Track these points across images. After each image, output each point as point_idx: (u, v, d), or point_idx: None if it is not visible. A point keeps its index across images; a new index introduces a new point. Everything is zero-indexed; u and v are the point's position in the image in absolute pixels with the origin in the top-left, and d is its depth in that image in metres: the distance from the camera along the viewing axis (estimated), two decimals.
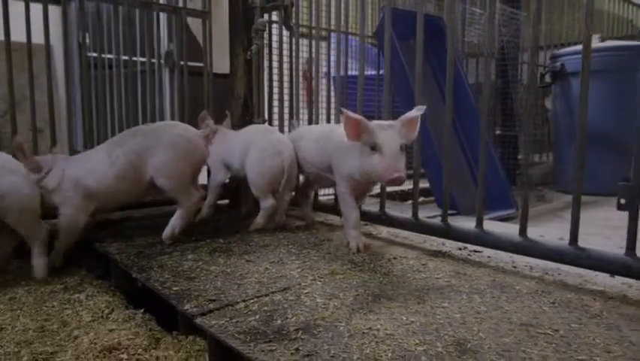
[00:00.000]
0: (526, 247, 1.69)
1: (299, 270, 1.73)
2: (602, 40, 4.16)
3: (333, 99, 2.89)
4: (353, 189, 2.00)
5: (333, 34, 3.89)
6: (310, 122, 2.82)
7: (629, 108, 4.04)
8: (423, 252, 1.98)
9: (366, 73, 3.34)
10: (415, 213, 2.08)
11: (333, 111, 3.15)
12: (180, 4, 2.85)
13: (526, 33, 4.38)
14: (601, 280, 1.63)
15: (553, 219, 3.21)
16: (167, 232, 2.08)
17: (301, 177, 2.45)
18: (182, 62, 2.88)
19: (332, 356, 1.12)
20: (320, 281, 1.62)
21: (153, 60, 2.78)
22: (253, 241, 2.14)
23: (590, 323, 1.28)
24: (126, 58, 3.21)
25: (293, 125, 2.59)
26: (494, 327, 1.26)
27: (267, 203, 2.28)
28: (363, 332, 1.23)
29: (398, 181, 1.72)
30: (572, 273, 1.69)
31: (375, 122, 1.81)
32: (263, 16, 2.71)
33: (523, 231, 1.72)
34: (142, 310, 1.61)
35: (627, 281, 1.58)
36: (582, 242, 1.62)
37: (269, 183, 2.25)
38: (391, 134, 1.76)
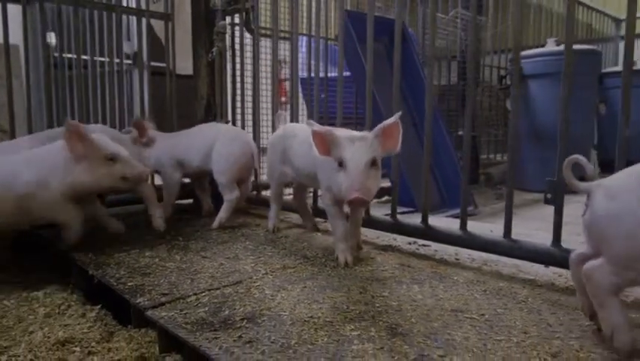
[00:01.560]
0: (465, 240, 1.80)
1: (252, 265, 1.80)
2: (558, 44, 4.33)
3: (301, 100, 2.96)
4: (339, 200, 1.79)
5: (303, 37, 3.99)
6: (273, 123, 2.88)
7: (583, 110, 4.26)
8: (374, 246, 2.07)
9: (331, 75, 3.45)
10: (367, 211, 2.17)
11: (302, 113, 3.23)
12: (143, 7, 2.90)
13: (487, 37, 4.54)
14: (535, 270, 1.74)
15: None
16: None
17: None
18: (147, 64, 2.92)
19: (272, 342, 1.19)
20: (271, 275, 1.69)
21: (116, 60, 2.81)
22: (211, 238, 2.20)
23: (515, 308, 1.38)
24: (96, 59, 3.24)
25: (279, 119, 2.54)
26: (426, 313, 1.35)
27: (232, 195, 2.37)
28: (305, 320, 1.31)
29: (358, 202, 1.53)
30: (509, 264, 1.80)
31: (346, 134, 1.63)
32: (224, 19, 2.77)
33: (463, 225, 1.83)
34: (99, 307, 1.65)
35: (558, 271, 1.69)
36: (528, 236, 1.73)
37: (239, 170, 2.38)
38: (360, 148, 1.56)
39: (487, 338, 1.19)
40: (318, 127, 1.64)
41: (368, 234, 2.27)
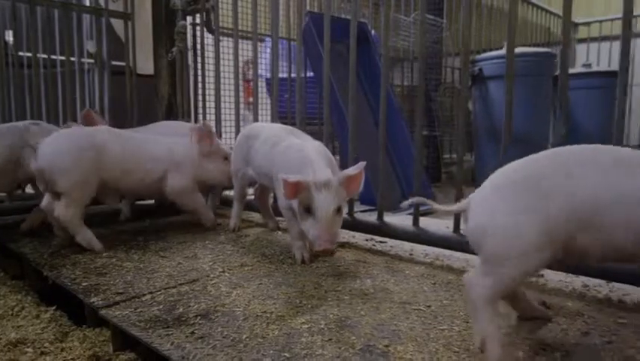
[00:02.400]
0: (418, 236, 1.86)
1: (211, 263, 1.82)
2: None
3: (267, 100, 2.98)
4: None
5: (268, 38, 4.01)
6: (237, 123, 2.90)
7: (540, 110, 4.42)
8: None
9: (295, 75, 3.48)
10: None
11: (266, 113, 3.25)
12: (103, 5, 2.87)
13: (448, 39, 4.65)
14: None
15: None
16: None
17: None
18: (108, 63, 2.90)
19: (224, 337, 1.22)
20: (229, 273, 1.71)
21: (72, 58, 2.78)
22: (172, 238, 2.20)
23: (460, 299, 1.45)
24: (54, 57, 3.18)
25: (245, 120, 2.57)
26: (376, 306, 1.40)
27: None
28: (258, 315, 1.34)
29: (327, 253, 1.64)
30: (460, 258, 1.86)
31: (313, 179, 1.63)
32: (185, 19, 2.77)
33: (416, 222, 1.89)
34: (53, 308, 1.65)
35: None
36: None
37: None
38: (327, 197, 1.60)
39: (431, 328, 1.25)
40: (290, 179, 1.61)
41: None
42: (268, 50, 3.88)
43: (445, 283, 1.59)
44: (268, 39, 3.96)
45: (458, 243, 1.75)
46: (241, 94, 4.63)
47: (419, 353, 1.12)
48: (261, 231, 2.36)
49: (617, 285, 1.56)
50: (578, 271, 1.57)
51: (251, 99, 4.21)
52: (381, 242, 2.13)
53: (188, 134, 2.28)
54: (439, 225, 2.06)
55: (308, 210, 1.63)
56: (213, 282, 1.62)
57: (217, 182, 2.41)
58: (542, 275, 1.66)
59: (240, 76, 3.78)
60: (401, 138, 3.79)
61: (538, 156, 1.13)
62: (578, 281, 1.61)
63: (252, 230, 2.37)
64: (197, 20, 2.93)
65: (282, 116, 3.51)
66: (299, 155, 1.79)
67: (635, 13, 6.41)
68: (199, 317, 1.34)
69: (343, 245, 2.08)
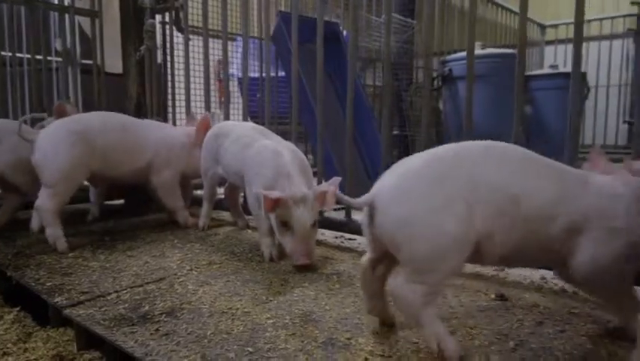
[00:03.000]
0: None
1: (179, 262, 1.82)
2: (483, 47, 4.57)
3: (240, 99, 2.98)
4: None
5: (239, 37, 4.00)
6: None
7: (507, 110, 4.52)
8: None
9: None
10: None
11: (238, 112, 3.24)
12: (68, 3, 2.82)
13: (418, 40, 4.72)
14: None
15: None
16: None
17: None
18: (77, 61, 2.86)
19: (188, 333, 1.23)
20: (196, 271, 1.72)
21: (38, 56, 2.73)
22: (140, 237, 2.19)
23: None
24: (21, 55, 3.11)
25: (214, 119, 2.57)
26: (341, 301, 1.42)
27: None
28: (223, 312, 1.35)
29: (306, 267, 1.70)
30: None
31: (291, 194, 1.69)
32: (154, 17, 2.75)
33: None
34: (17, 309, 1.62)
35: None
36: None
37: None
38: (304, 213, 1.67)
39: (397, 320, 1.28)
40: (271, 195, 1.65)
41: None
42: (240, 49, 3.88)
43: None
44: (240, 38, 3.96)
45: None
46: (215, 93, 4.62)
47: (380, 344, 1.15)
48: (231, 230, 2.36)
49: None
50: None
51: (223, 98, 4.23)
52: (350, 239, 2.16)
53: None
54: None
55: (285, 224, 1.70)
56: (180, 280, 1.62)
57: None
58: (503, 269, 1.72)
59: (213, 75, 3.78)
60: (372, 138, 3.83)
61: (441, 150, 1.12)
62: (537, 275, 1.67)
63: (222, 229, 2.37)
64: (167, 19, 2.91)
65: (254, 115, 3.52)
66: (275, 163, 1.81)
67: (599, 16, 6.60)
68: (164, 315, 1.34)
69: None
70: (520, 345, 1.14)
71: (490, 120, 4.32)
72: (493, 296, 1.45)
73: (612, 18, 6.72)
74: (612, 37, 6.72)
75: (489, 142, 1.14)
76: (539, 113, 5.75)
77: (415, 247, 1.03)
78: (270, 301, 1.43)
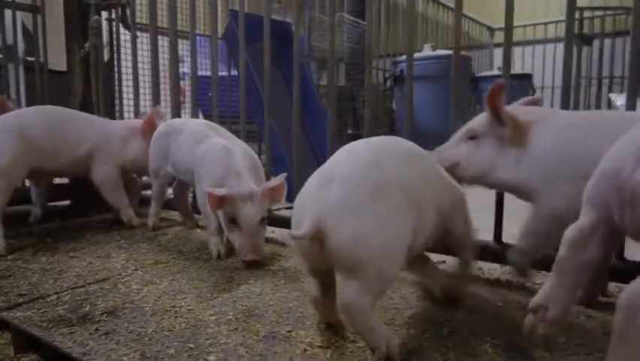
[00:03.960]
0: None
1: (123, 262, 1.80)
2: (433, 49, 4.71)
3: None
4: None
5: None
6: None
7: (456, 109, 4.66)
8: None
9: (221, 74, 3.47)
10: None
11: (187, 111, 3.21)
12: None
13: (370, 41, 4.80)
14: None
15: None
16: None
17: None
18: (21, 58, 2.76)
19: (129, 332, 1.22)
20: (141, 270, 1.70)
21: None
22: (84, 238, 2.14)
23: None
24: None
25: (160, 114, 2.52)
26: (285, 296, 1.45)
27: None
28: (166, 310, 1.35)
29: (255, 264, 1.71)
30: None
31: (238, 191, 1.70)
32: (100, 14, 2.69)
33: None
34: None
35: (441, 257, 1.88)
36: None
37: None
38: (251, 209, 1.68)
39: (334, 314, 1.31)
40: (216, 192, 1.67)
41: None
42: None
43: None
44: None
45: None
46: (165, 92, 4.54)
47: (319, 336, 1.18)
48: (180, 229, 2.34)
49: (508, 268, 1.70)
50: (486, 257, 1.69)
51: (182, 98, 4.17)
52: None
53: None
54: None
55: (233, 221, 1.71)
56: (125, 280, 1.60)
57: (145, 165, 2.32)
58: (444, 261, 1.78)
59: (163, 73, 3.72)
60: (325, 139, 3.87)
61: (362, 153, 1.14)
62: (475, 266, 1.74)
63: (171, 229, 2.35)
64: (114, 15, 2.85)
65: (207, 114, 3.49)
66: (226, 161, 1.81)
67: (544, 20, 6.87)
68: (105, 315, 1.32)
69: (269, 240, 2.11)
70: (452, 332, 1.20)
71: (440, 119, 4.45)
72: None
73: (556, 22, 7.02)
74: (556, 40, 7.03)
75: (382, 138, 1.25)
76: None
77: (374, 261, 1.00)
78: (215, 298, 1.44)
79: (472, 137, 1.39)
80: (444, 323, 1.25)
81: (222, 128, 2.08)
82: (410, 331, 1.21)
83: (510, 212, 1.68)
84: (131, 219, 2.35)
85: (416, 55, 4.71)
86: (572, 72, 1.58)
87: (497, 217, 1.70)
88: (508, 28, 1.62)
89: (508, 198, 1.56)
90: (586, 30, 6.65)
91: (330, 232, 1.00)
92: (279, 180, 1.75)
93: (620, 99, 5.02)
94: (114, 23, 2.87)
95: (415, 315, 1.30)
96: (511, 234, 1.49)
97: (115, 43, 2.83)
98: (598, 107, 5.70)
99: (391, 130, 5.49)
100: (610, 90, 6.30)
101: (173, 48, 2.48)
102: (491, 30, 7.57)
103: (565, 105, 1.57)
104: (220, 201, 1.69)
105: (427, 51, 4.70)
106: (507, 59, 1.64)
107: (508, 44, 1.63)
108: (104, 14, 2.84)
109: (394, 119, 5.47)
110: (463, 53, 5.07)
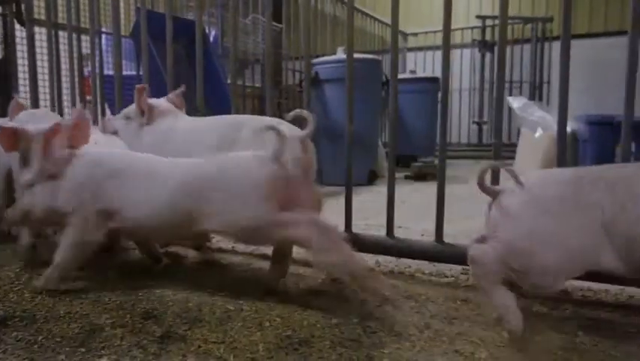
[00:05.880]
0: None
1: (18, 270, 1.72)
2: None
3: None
4: None
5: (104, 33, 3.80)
6: None
7: (369, 110, 4.84)
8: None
9: (126, 73, 3.38)
10: None
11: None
12: None
13: (286, 43, 4.88)
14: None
15: None
16: None
17: None
18: None
19: (18, 341, 1.19)
20: (37, 278, 1.64)
21: None
22: None
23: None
24: None
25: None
26: (186, 296, 1.47)
27: None
28: (60, 317, 1.33)
29: None
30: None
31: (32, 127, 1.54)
32: None
33: None
34: None
35: None
36: None
37: None
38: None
39: (233, 310, 1.36)
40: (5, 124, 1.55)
41: None
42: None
43: (256, 269, 1.72)
44: (104, 35, 3.78)
45: None
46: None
47: (215, 333, 1.22)
48: None
49: (403, 260, 1.83)
50: (374, 250, 1.80)
51: (88, 97, 3.99)
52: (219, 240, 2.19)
53: None
54: None
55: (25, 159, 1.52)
56: (17, 288, 1.54)
57: None
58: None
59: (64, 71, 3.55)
60: None
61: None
62: (372, 260, 1.84)
63: None
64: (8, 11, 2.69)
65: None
66: None
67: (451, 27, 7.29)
68: None
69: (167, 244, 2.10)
70: (341, 322, 1.28)
71: (355, 120, 4.60)
72: (329, 281, 1.59)
73: (462, 29, 7.49)
74: (462, 46, 7.50)
75: None
76: (400, 114, 6.24)
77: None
78: (113, 301, 1.43)
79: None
80: (353, 314, 1.33)
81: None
82: (326, 321, 1.28)
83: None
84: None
85: (330, 57, 4.86)
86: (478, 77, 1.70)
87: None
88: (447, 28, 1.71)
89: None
90: (488, 37, 7.18)
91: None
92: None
93: (516, 102, 5.47)
94: (8, 19, 2.71)
95: (330, 308, 1.37)
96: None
97: (10, 40, 2.68)
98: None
99: None
100: (510, 93, 6.83)
101: (71, 45, 2.41)
102: (404, 35, 7.92)
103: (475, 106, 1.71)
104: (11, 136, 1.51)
105: (340, 54, 4.84)
106: (395, 66, 1.75)
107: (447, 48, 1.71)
108: None
109: None
110: (375, 56, 5.27)
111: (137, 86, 1.90)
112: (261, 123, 1.64)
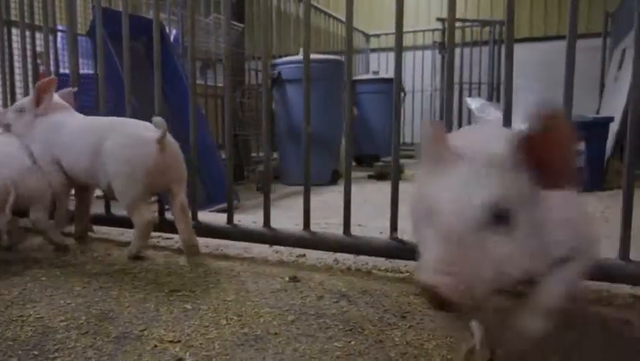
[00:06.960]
0: (199, 230, 1.97)
1: None
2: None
3: None
4: None
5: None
6: None
7: (333, 110, 4.90)
8: (116, 243, 2.10)
9: (83, 71, 3.31)
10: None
11: None
12: None
13: (248, 43, 4.87)
14: (258, 250, 1.99)
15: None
16: None
17: None
18: None
19: None
20: None
21: None
22: None
23: (225, 281, 1.60)
24: None
25: None
26: (143, 297, 1.47)
27: None
28: (12, 320, 1.31)
29: None
30: (237, 246, 2.02)
31: None
32: None
33: (230, 220, 2.04)
34: None
35: (277, 248, 1.98)
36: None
37: None
38: None
39: (191, 309, 1.37)
40: None
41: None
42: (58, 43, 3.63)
43: (216, 269, 1.74)
44: (59, 33, 3.69)
45: (240, 233, 1.95)
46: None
47: (172, 332, 1.23)
48: (35, 236, 2.22)
49: (361, 257, 1.87)
50: (333, 248, 1.84)
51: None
52: (167, 238, 2.18)
53: None
54: (217, 219, 2.17)
55: None
56: None
57: None
58: (304, 255, 1.91)
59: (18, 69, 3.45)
60: (202, 140, 3.86)
61: None
62: (331, 258, 1.88)
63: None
64: None
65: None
66: None
67: (413, 29, 7.39)
68: None
69: (125, 244, 2.08)
70: (297, 318, 1.31)
71: (316, 122, 4.64)
72: (287, 279, 1.62)
73: (423, 31, 7.65)
74: (424, 48, 7.66)
75: None
76: (364, 114, 6.34)
77: None
78: (68, 304, 1.41)
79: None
80: (290, 310, 1.36)
81: None
82: (260, 319, 1.30)
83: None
84: None
85: (294, 58, 4.88)
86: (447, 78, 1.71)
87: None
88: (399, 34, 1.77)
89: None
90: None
91: None
92: None
93: (474, 103, 5.63)
94: None
95: (267, 304, 1.40)
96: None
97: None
98: (460, 110, 6.32)
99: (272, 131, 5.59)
100: (469, 94, 7.03)
101: (24, 43, 2.36)
102: (367, 36, 8.03)
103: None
104: None
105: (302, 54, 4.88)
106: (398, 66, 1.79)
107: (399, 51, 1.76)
108: None
109: (274, 119, 5.57)
110: (337, 57, 5.33)
111: (48, 77, 2.06)
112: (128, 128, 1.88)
